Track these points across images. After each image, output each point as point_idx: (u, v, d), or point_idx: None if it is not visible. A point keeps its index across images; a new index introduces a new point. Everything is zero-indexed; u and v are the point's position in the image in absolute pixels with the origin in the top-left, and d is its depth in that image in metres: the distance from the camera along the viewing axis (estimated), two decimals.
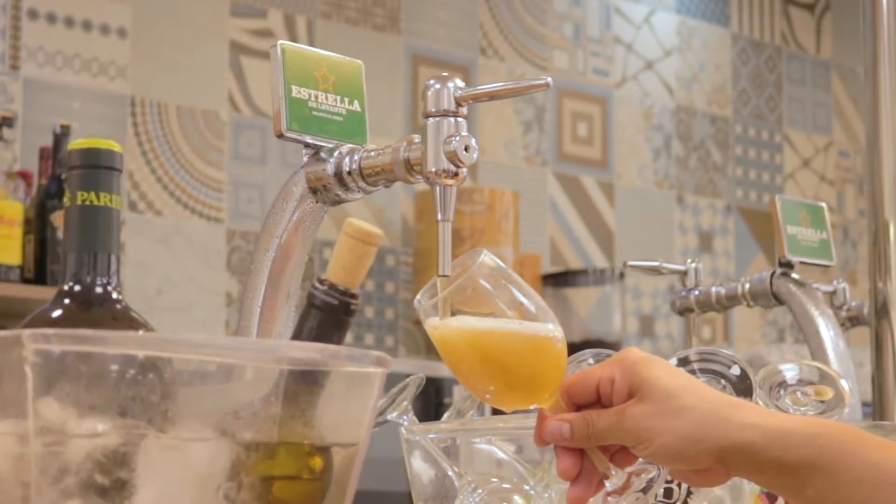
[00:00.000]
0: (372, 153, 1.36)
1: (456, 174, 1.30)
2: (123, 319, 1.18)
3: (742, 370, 1.43)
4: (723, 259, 5.57)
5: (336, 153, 1.38)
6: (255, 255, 1.42)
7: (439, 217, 1.29)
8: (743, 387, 1.44)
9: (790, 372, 1.54)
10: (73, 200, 1.16)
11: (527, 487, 1.58)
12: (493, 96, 1.39)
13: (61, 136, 3.58)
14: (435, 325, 1.25)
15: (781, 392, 1.51)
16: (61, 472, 0.97)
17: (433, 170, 1.30)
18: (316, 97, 1.40)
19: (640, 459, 1.30)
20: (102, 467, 0.98)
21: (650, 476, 1.35)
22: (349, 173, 1.36)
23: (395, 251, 4.70)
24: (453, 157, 1.30)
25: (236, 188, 4.41)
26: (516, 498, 1.57)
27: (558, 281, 4.91)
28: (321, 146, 1.39)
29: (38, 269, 3.55)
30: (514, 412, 1.32)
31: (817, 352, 2.14)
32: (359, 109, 1.42)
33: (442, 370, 3.67)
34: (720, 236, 5.59)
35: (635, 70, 5.46)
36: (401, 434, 1.64)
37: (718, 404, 1.22)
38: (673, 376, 1.24)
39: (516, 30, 5.11)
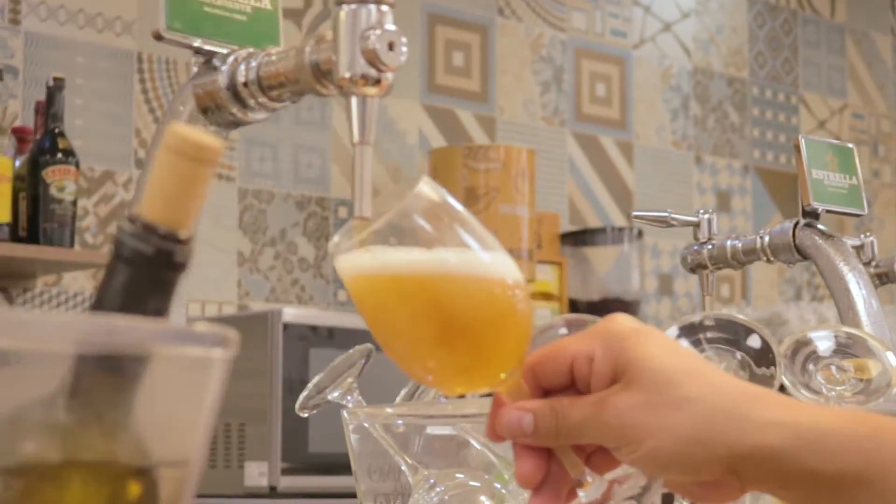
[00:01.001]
0: (273, 57, 0.95)
1: (378, 81, 0.88)
2: None
3: (763, 341, 1.01)
4: (741, 218, 5.15)
5: (230, 59, 0.96)
6: (133, 202, 1.01)
7: (356, 138, 0.88)
8: (764, 361, 1.02)
9: (823, 342, 1.11)
10: None
11: (498, 486, 1.17)
12: None
13: (54, 90, 3.17)
14: (345, 267, 0.84)
15: (811, 367, 1.09)
16: None
17: (347, 75, 0.88)
18: None
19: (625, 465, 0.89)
20: None
21: (641, 484, 0.94)
22: (245, 84, 0.95)
23: None
24: (373, 59, 0.88)
25: (248, 146, 4.00)
26: (482, 499, 1.16)
27: (577, 239, 4.50)
28: (214, 52, 0.97)
29: (31, 228, 3.14)
30: (464, 396, 0.91)
31: (847, 313, 1.70)
32: (269, 6, 1.00)
33: None
34: (738, 196, 5.17)
35: (653, 32, 5.02)
36: (343, 418, 1.23)
37: (732, 394, 0.84)
38: (672, 355, 0.86)
39: None
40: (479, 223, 0.88)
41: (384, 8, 0.88)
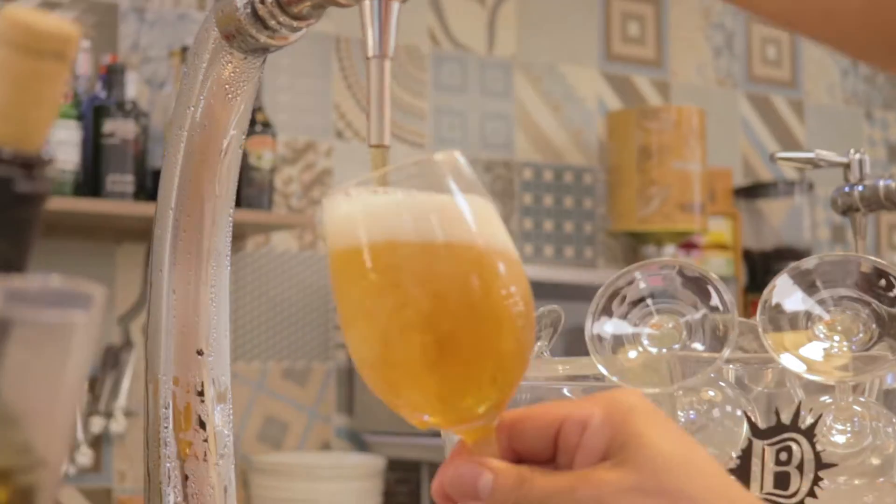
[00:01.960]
0: None
1: None
2: None
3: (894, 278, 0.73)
4: None
5: None
6: (165, 138, 0.78)
7: (372, 51, 0.63)
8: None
9: None
10: None
11: None
12: None
13: None
14: (325, 214, 0.60)
15: None
16: None
17: None
18: None
19: None
20: None
21: None
22: (262, 2, 0.70)
23: (592, 170, 4.02)
24: None
25: (438, 116, 3.78)
26: None
27: (749, 193, 4.16)
28: None
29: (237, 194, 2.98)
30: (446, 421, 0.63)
31: None
32: None
33: None
34: None
35: None
36: None
37: (726, 495, 0.60)
38: (675, 442, 0.62)
39: None
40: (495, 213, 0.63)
41: None
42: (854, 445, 0.80)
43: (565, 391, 0.86)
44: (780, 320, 0.72)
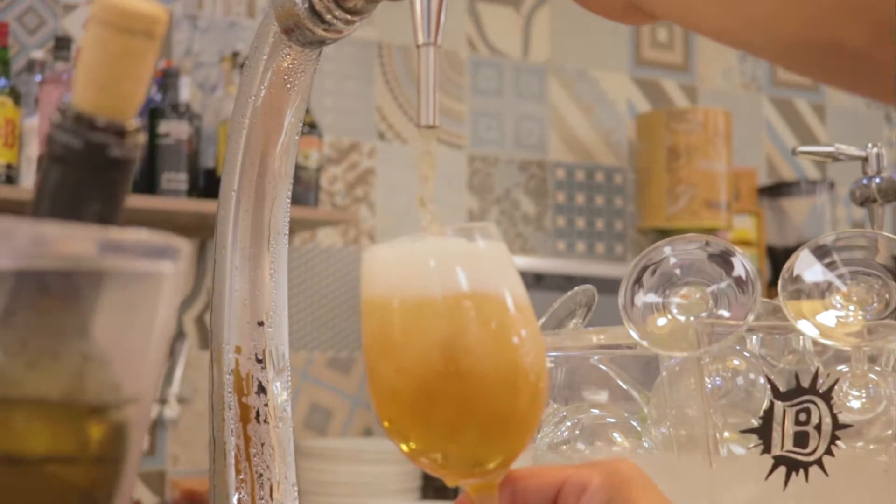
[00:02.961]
0: None
1: None
2: None
3: None
4: None
5: None
6: (230, 126, 0.81)
7: (420, 39, 0.65)
8: None
9: None
10: None
11: (635, 423, 0.93)
12: None
13: None
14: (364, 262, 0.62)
15: None
16: None
17: None
18: None
19: None
20: None
21: None
22: None
23: (622, 170, 4.04)
24: None
25: (476, 118, 3.81)
26: (615, 435, 0.92)
27: (773, 192, 4.16)
28: None
29: None
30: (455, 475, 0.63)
31: None
32: None
33: None
34: None
35: None
36: None
37: None
38: None
39: None
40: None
41: None
42: (869, 411, 0.82)
43: (595, 360, 0.89)
44: (800, 290, 0.75)
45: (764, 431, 0.75)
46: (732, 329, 0.73)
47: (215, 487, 0.80)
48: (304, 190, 3.11)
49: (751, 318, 0.72)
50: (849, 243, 0.76)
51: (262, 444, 0.81)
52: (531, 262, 3.55)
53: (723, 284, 0.74)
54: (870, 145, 1.53)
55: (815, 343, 0.79)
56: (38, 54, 2.97)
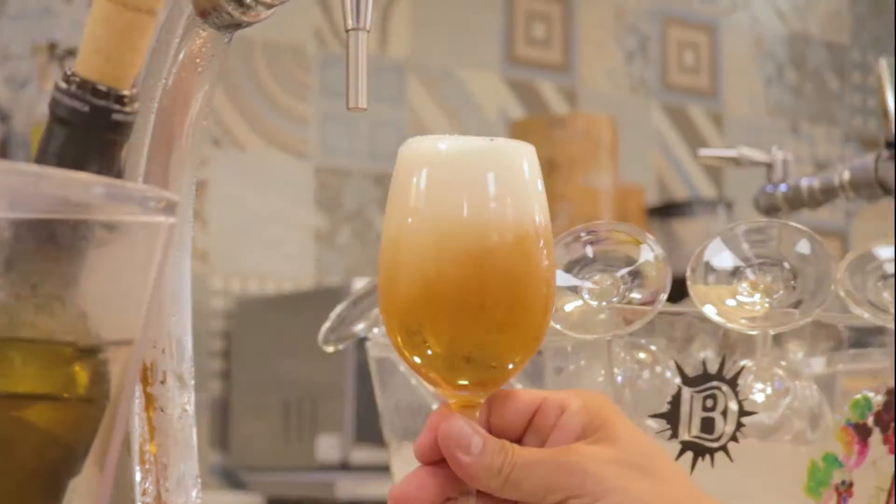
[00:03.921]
0: None
1: None
2: None
3: (815, 245, 0.94)
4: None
5: None
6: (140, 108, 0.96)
7: (349, 23, 0.82)
8: (816, 272, 0.95)
9: (889, 258, 1.03)
10: None
11: None
12: None
13: None
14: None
15: (878, 284, 1.01)
16: None
17: None
18: None
19: None
20: None
21: None
22: None
23: None
24: None
25: (324, 122, 3.97)
26: None
27: (664, 213, 4.41)
28: None
29: None
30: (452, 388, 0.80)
31: None
32: None
33: None
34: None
35: None
36: (367, 352, 1.18)
37: (693, 488, 0.80)
38: (645, 435, 0.82)
39: None
40: None
41: None
42: (773, 405, 1.01)
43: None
44: (709, 277, 0.93)
45: (671, 416, 0.93)
46: (644, 313, 0.91)
47: (119, 478, 0.95)
48: None
49: (663, 297, 0.90)
50: (759, 233, 0.95)
51: (167, 435, 0.97)
52: None
53: (633, 268, 0.92)
54: (775, 149, 1.74)
55: (729, 332, 0.98)
56: None
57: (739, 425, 0.94)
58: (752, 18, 4.91)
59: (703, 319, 0.94)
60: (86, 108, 0.59)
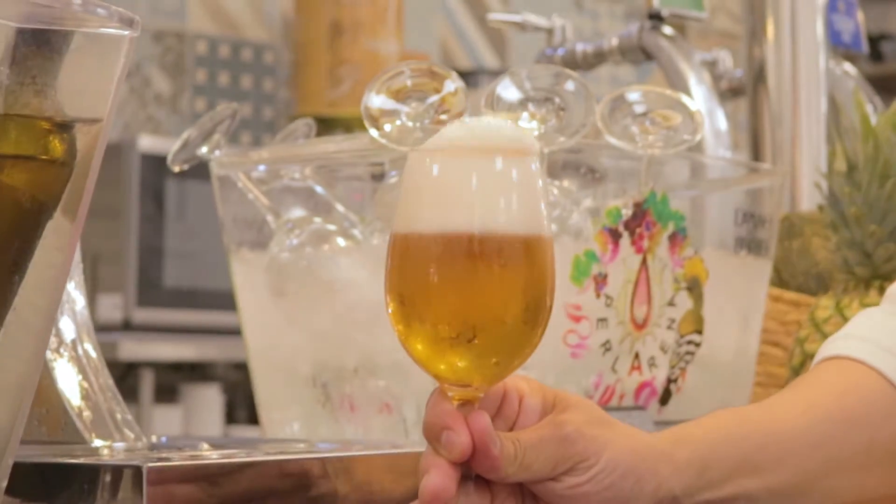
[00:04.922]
0: None
1: None
2: None
3: (578, 85, 1.31)
4: None
5: None
6: None
7: None
8: (579, 106, 1.32)
9: (637, 100, 1.41)
10: None
11: (355, 231, 1.46)
12: None
13: None
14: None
15: (628, 121, 1.39)
16: None
17: None
18: None
19: None
20: None
21: None
22: None
23: (274, 47, 4.54)
24: None
25: None
26: (339, 240, 1.45)
27: None
28: None
29: None
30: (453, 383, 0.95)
31: None
32: None
33: None
34: None
35: None
36: (211, 170, 1.51)
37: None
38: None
39: None
40: None
41: None
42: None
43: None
44: (498, 106, 1.29)
45: None
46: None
47: None
48: None
49: (466, 119, 1.26)
50: (538, 75, 1.32)
51: None
52: (163, 145, 3.89)
53: (441, 96, 1.28)
54: (555, 15, 2.12)
55: None
56: None
57: None
58: None
59: None
60: None
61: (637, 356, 1.38)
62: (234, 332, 3.52)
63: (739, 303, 1.52)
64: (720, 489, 1.00)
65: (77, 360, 1.24)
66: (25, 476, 0.98)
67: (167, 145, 3.87)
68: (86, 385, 1.22)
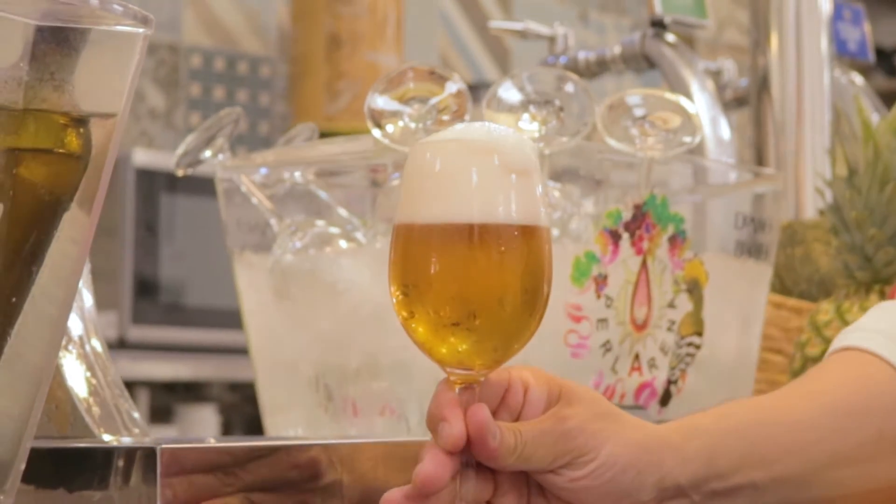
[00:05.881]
0: None
1: None
2: None
3: (578, 88, 1.39)
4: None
5: None
6: None
7: None
8: (579, 108, 1.40)
9: (637, 104, 1.49)
10: None
11: (358, 235, 1.53)
12: None
13: None
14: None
15: (628, 124, 1.47)
16: None
17: None
18: None
19: None
20: None
21: None
22: None
23: (271, 60, 4.61)
24: None
25: None
26: (341, 242, 1.52)
27: None
28: None
29: None
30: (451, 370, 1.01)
31: None
32: None
33: None
34: None
35: None
36: (216, 174, 1.59)
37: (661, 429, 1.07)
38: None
39: None
40: None
41: None
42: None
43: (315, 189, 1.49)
44: (500, 108, 1.37)
45: None
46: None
47: None
48: None
49: (467, 118, 1.34)
50: (538, 78, 1.39)
51: None
52: (158, 160, 3.92)
53: (442, 98, 1.36)
54: (557, 24, 2.20)
55: None
56: None
57: None
58: None
59: None
60: None
61: (637, 357, 1.45)
62: (231, 350, 3.61)
63: (740, 306, 1.59)
64: (727, 480, 1.05)
65: (85, 357, 1.32)
66: (39, 462, 1.04)
67: (161, 160, 3.97)
68: (94, 381, 1.30)
